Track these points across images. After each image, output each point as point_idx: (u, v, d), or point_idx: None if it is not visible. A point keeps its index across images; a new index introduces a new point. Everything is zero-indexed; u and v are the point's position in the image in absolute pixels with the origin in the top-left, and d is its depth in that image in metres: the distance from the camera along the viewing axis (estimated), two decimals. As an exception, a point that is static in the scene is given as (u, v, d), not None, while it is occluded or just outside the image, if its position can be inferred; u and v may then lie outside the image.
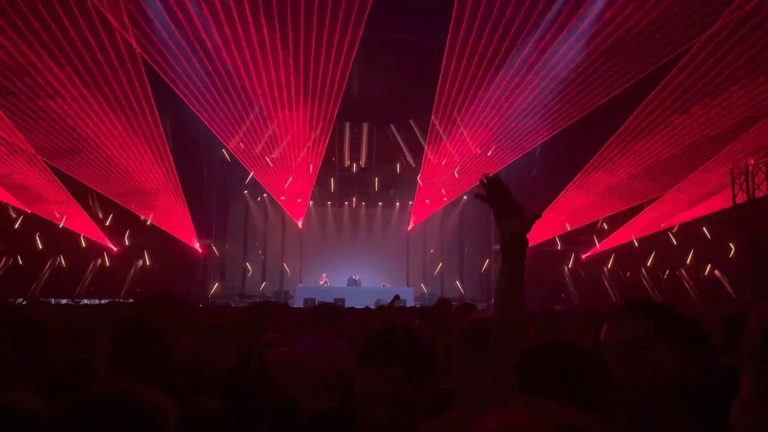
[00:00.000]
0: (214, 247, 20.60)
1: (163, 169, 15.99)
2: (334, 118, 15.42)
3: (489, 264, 21.09)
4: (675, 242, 19.38)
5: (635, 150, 14.55)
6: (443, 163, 18.32)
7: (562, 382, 1.51)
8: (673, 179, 15.87)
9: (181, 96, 13.23)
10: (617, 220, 19.27)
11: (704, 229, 18.36)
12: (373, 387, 1.58)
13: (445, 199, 21.15)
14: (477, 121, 16.02)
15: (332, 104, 14.54)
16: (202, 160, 19.57)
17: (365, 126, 20.38)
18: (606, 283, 19.96)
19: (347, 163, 21.35)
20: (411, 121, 19.85)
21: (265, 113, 14.85)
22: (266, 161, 17.83)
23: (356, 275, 20.79)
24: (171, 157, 15.48)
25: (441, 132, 16.80)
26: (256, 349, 3.10)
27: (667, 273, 19.77)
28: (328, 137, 16.85)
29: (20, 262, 18.66)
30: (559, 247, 20.32)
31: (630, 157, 14.94)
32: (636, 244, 19.66)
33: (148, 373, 2.17)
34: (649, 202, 17.84)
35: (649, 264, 19.85)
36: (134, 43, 10.98)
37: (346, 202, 22.63)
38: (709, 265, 18.64)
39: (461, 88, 14.52)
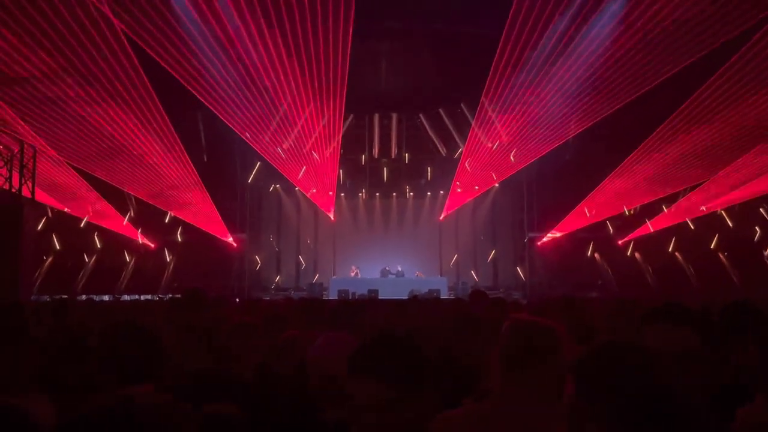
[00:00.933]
0: (248, 240, 20.88)
1: (193, 168, 16.31)
2: (343, 109, 15.40)
3: (525, 247, 20.91)
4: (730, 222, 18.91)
5: (678, 138, 14.24)
6: (494, 145, 18.01)
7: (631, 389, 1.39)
8: (714, 167, 15.52)
9: (201, 98, 13.43)
10: (655, 207, 18.87)
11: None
12: (361, 394, 1.61)
13: (476, 187, 20.98)
14: (516, 107, 15.86)
15: (338, 98, 14.55)
16: (236, 155, 19.79)
17: (394, 117, 20.33)
18: (644, 270, 19.57)
19: (377, 153, 21.35)
20: (441, 111, 19.73)
21: (290, 108, 14.99)
22: (291, 155, 18.02)
23: (397, 266, 20.82)
24: (204, 155, 15.75)
25: (490, 112, 16.53)
26: (277, 349, 3.11)
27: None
28: (340, 130, 16.90)
29: (63, 261, 19.20)
30: (594, 235, 20.00)
31: (673, 144, 14.62)
32: (674, 232, 19.23)
33: (139, 379, 2.20)
34: (687, 190, 17.46)
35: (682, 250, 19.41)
36: (154, 54, 11.21)
37: (378, 193, 22.63)
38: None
39: (500, 76, 14.38)
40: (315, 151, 17.88)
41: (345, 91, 14.08)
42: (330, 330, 3.40)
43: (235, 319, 3.83)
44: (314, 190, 21.14)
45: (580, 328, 3.98)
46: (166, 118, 13.60)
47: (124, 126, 13.51)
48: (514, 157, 18.73)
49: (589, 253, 20.26)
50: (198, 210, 18.82)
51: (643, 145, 15.32)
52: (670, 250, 19.59)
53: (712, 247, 19.18)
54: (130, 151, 14.85)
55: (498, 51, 13.20)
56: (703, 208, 18.45)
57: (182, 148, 15.28)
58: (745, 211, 18.57)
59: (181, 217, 19.37)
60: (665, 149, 15.15)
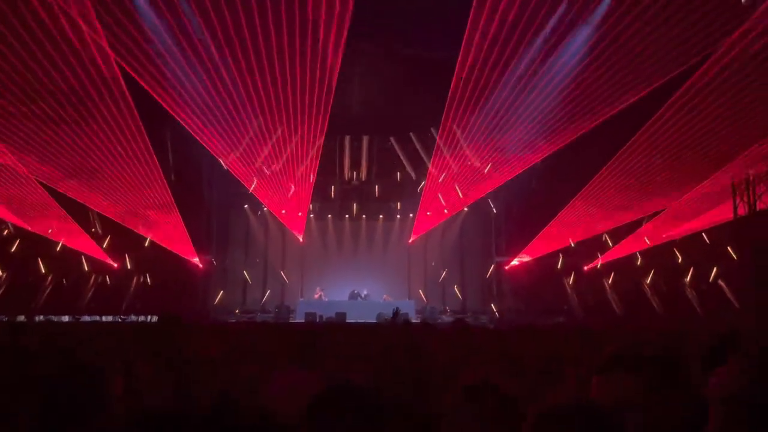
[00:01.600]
0: (214, 261, 20.55)
1: (159, 186, 16.01)
2: (324, 131, 15.39)
3: (492, 271, 21.01)
4: (678, 254, 19.26)
5: (638, 165, 14.54)
6: (442, 177, 18.32)
7: None
8: (677, 192, 15.86)
9: (172, 112, 13.25)
10: (619, 234, 19.18)
11: (705, 238, 18.26)
12: None
13: (446, 211, 21.09)
14: (479, 134, 16.06)
15: (322, 119, 14.54)
16: (202, 173, 19.56)
17: (365, 139, 20.38)
18: (609, 296, 19.82)
19: (347, 176, 21.33)
20: (411, 134, 19.84)
21: (263, 127, 14.90)
22: (263, 174, 17.88)
23: (364, 290, 20.74)
24: (163, 174, 15.49)
25: (442, 145, 16.80)
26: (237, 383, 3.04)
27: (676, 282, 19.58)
28: (318, 153, 16.85)
29: (21, 280, 18.61)
30: (560, 260, 20.22)
31: (633, 171, 14.93)
32: (638, 257, 19.57)
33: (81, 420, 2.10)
34: (650, 217, 17.82)
35: (650, 277, 19.71)
36: (124, 66, 11.06)
37: (347, 215, 22.59)
38: (713, 273, 18.53)
39: (464, 101, 14.55)
40: (288, 172, 17.78)
41: (328, 111, 14.08)
42: (292, 364, 3.35)
43: (200, 351, 3.74)
44: (284, 212, 20.99)
45: (547, 360, 3.99)
46: (144, 134, 13.35)
47: (99, 143, 13.21)
48: (486, 173, 18.82)
49: (555, 279, 20.44)
50: (166, 229, 18.47)
51: (604, 171, 15.61)
52: (634, 277, 19.88)
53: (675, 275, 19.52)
54: (102, 169, 14.54)
55: (462, 77, 13.35)
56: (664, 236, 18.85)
57: (157, 166, 15.03)
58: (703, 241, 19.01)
59: (146, 236, 18.97)
60: (626, 176, 15.48)
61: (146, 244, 18.94)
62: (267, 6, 10.25)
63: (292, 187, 18.87)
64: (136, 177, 15.22)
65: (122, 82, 11.40)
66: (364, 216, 22.64)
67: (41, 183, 14.95)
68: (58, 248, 18.49)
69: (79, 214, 17.38)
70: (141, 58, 11.05)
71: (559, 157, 16.61)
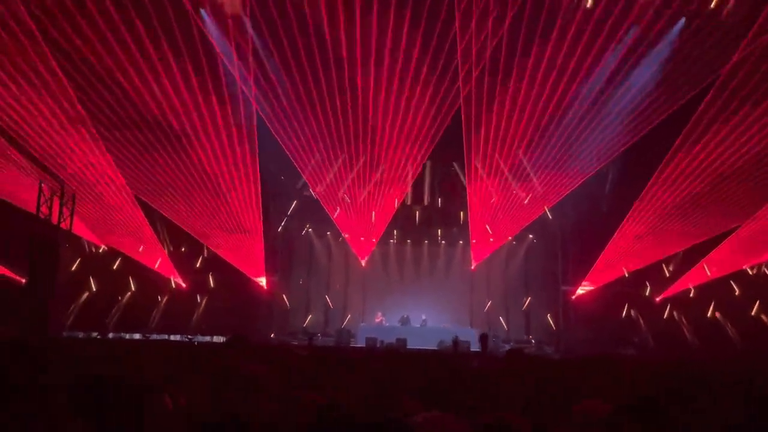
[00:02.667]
0: (278, 283, 20.87)
1: (251, 208, 16.56)
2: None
3: (559, 300, 20.35)
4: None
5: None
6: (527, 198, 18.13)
7: None
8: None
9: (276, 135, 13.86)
10: (693, 258, 18.23)
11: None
12: None
13: (511, 239, 20.71)
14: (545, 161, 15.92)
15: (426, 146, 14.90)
16: (269, 196, 20.02)
17: (428, 164, 20.34)
18: (683, 327, 18.83)
19: (410, 200, 21.28)
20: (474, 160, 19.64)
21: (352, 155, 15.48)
22: (346, 201, 18.33)
23: (422, 315, 20.54)
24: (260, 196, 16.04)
25: (525, 162, 16.76)
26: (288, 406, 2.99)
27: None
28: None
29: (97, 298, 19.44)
30: (629, 288, 19.42)
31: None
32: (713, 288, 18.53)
33: None
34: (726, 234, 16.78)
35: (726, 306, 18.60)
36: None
37: (409, 240, 22.52)
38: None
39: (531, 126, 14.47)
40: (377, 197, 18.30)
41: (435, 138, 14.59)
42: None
43: (249, 368, 3.74)
44: (346, 235, 21.14)
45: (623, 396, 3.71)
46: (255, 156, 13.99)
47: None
48: (547, 207, 18.57)
49: (625, 309, 19.62)
50: (243, 251, 18.93)
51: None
52: (710, 310, 18.84)
53: (754, 312, 18.37)
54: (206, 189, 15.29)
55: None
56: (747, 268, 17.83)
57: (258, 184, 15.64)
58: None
59: (216, 256, 19.49)
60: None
61: (212, 269, 19.46)
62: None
63: (373, 213, 19.18)
64: (238, 199, 15.77)
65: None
66: (426, 241, 22.51)
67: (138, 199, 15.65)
68: (131, 271, 19.24)
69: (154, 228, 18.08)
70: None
71: (629, 183, 16.14)
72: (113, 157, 13.00)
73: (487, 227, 19.92)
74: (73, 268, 18.09)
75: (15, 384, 2.62)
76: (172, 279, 19.66)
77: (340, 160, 17.50)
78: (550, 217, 19.03)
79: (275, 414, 2.73)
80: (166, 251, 19.22)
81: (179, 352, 7.19)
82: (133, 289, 19.62)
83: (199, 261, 19.97)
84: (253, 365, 3.72)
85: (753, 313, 18.25)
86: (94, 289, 19.12)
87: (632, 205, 16.15)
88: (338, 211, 19.09)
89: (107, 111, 11.59)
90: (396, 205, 18.92)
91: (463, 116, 13.92)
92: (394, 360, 5.95)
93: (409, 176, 17.54)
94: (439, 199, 21.25)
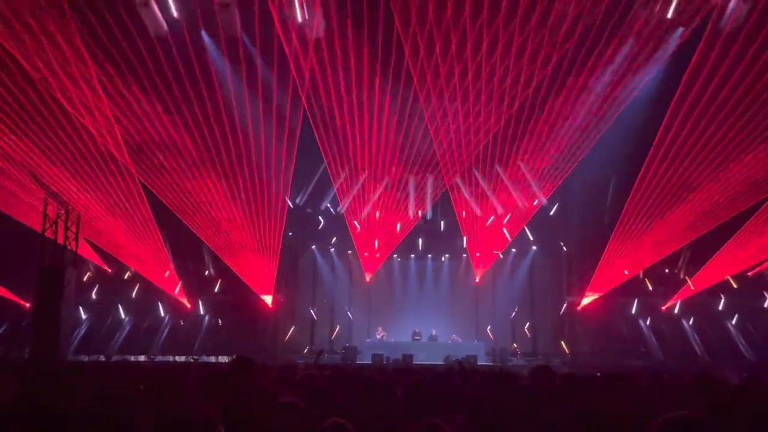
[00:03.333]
0: (283, 301, 20.79)
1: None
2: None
3: (564, 312, 20.30)
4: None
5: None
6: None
7: None
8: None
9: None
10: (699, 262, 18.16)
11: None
12: None
13: (513, 250, 20.75)
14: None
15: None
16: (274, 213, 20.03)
17: (429, 177, 20.36)
18: (690, 338, 18.78)
19: (412, 214, 21.26)
20: (476, 172, 19.70)
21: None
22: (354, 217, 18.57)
23: (432, 330, 20.48)
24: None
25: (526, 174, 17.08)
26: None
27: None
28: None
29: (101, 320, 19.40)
30: (635, 297, 19.40)
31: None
32: (722, 297, 18.47)
33: None
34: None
35: (735, 318, 18.57)
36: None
37: (412, 255, 22.49)
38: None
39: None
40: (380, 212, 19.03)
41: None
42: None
43: (278, 398, 3.70)
44: (350, 252, 21.17)
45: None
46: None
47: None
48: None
49: (631, 319, 19.58)
50: (248, 268, 18.96)
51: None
52: (716, 315, 18.80)
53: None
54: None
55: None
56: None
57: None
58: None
59: (220, 275, 19.47)
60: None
61: (217, 289, 19.43)
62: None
63: (398, 224, 19.50)
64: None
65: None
66: (429, 255, 22.48)
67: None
68: (134, 291, 19.22)
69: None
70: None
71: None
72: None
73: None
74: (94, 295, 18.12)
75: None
76: (178, 299, 19.60)
77: (342, 176, 17.80)
78: (544, 200, 19.06)
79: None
80: (173, 269, 19.19)
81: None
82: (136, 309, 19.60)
83: (203, 280, 19.94)
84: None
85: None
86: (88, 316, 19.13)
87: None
88: (358, 229, 19.30)
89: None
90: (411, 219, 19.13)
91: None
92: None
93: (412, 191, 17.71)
94: (440, 213, 21.27)
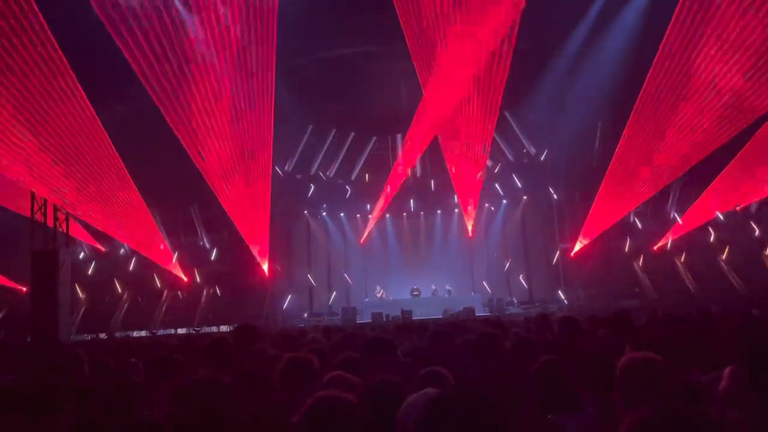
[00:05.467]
0: (279, 267, 20.90)
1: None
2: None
3: (558, 258, 20.53)
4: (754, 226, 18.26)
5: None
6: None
7: None
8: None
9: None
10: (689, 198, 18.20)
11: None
12: None
13: (504, 201, 20.85)
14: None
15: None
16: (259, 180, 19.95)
17: (416, 134, 20.25)
18: (683, 275, 19.07)
19: (401, 172, 21.25)
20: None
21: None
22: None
23: (432, 285, 20.70)
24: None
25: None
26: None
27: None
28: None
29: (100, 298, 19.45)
30: (628, 242, 19.60)
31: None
32: (711, 232, 18.64)
33: None
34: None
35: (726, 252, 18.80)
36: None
37: (405, 213, 22.55)
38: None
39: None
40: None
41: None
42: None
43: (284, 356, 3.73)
44: (342, 214, 21.22)
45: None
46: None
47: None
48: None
49: (624, 261, 19.83)
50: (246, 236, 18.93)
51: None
52: (707, 250, 19.04)
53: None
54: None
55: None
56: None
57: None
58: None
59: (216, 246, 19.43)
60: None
61: (213, 257, 19.42)
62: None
63: (388, 188, 19.29)
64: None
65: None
66: (422, 213, 22.56)
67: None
68: (131, 267, 19.21)
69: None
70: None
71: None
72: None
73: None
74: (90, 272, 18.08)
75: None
76: (174, 270, 19.65)
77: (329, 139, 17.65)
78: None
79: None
80: (167, 244, 19.17)
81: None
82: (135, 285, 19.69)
83: (198, 251, 20.00)
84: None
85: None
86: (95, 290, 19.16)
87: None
88: (349, 192, 19.21)
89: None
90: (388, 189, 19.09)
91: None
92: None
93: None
94: (431, 171, 21.25)
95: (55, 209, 12.94)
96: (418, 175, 21.33)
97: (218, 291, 20.11)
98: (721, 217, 18.14)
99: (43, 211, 12.62)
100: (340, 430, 1.88)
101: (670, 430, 1.41)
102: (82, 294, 19.15)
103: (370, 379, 2.62)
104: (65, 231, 13.48)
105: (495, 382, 3.20)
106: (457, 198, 21.04)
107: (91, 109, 11.43)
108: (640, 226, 19.80)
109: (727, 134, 14.36)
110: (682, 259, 19.35)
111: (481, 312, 18.64)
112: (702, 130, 14.77)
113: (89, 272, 19.43)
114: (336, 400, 1.97)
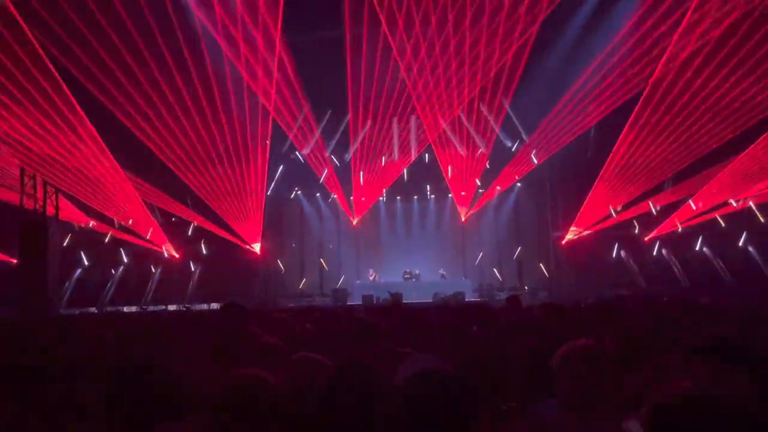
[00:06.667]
0: (271, 248, 20.90)
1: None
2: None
3: (550, 246, 20.60)
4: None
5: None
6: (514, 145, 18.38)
7: None
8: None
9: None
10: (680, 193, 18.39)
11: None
12: None
13: (498, 188, 20.83)
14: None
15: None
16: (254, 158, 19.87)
17: (412, 119, 20.18)
18: (672, 266, 19.18)
19: (396, 157, 21.19)
20: (460, 111, 19.55)
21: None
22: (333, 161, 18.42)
23: (416, 269, 20.74)
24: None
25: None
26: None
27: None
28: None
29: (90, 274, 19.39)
30: (619, 231, 19.65)
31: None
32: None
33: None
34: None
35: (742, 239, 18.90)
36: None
37: (399, 197, 22.53)
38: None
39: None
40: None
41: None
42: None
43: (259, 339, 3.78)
44: (334, 196, 21.19)
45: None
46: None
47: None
48: (535, 155, 18.79)
49: (615, 250, 19.92)
50: (229, 216, 18.91)
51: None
52: (698, 246, 19.14)
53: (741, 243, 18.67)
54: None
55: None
56: (733, 203, 18.03)
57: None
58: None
59: (205, 225, 19.42)
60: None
61: (204, 238, 19.38)
62: None
63: (361, 173, 19.30)
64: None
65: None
66: (415, 196, 22.54)
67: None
68: (121, 245, 19.12)
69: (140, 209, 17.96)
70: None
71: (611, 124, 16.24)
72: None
73: (477, 181, 20.17)
74: (65, 244, 17.95)
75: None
76: (164, 249, 19.63)
77: (324, 121, 17.64)
78: (536, 162, 19.19)
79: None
80: (157, 222, 19.13)
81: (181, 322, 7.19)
82: (125, 262, 19.63)
83: (190, 230, 19.94)
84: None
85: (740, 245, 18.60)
86: (86, 265, 19.08)
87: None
88: (326, 171, 19.11)
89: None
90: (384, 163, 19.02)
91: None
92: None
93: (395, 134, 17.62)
94: (426, 155, 21.16)
95: (45, 183, 12.87)
96: (413, 159, 21.23)
97: (210, 269, 20.09)
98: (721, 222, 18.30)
99: (33, 183, 12.56)
100: (254, 410, 1.88)
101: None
102: (73, 270, 18.95)
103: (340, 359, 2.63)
104: (55, 203, 13.43)
105: (473, 368, 3.23)
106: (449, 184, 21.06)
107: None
108: (634, 222, 19.88)
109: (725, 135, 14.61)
110: (671, 251, 19.44)
111: (470, 296, 18.75)
112: (697, 129, 14.97)
113: (80, 248, 19.29)
114: (251, 380, 1.98)
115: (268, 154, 15.91)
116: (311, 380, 2.29)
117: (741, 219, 18.33)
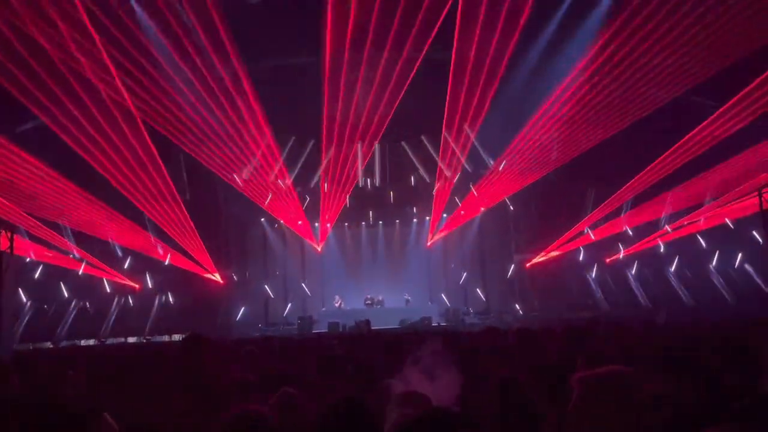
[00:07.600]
0: (234, 276, 20.50)
1: (182, 206, 16.25)
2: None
3: (514, 270, 20.79)
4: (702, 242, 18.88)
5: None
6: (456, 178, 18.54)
7: None
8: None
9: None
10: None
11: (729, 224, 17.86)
12: None
13: (462, 212, 20.99)
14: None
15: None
16: (218, 191, 19.57)
17: (377, 145, 20.26)
18: (634, 287, 19.56)
19: (361, 183, 21.18)
20: (423, 138, 19.76)
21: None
22: (279, 188, 18.18)
23: (379, 296, 20.64)
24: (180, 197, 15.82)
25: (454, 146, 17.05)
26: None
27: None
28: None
29: (45, 307, 18.63)
30: (582, 254, 19.99)
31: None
32: (661, 246, 19.25)
33: None
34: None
35: (674, 265, 19.40)
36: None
37: (363, 223, 22.49)
38: (739, 257, 18.22)
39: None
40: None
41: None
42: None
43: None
44: (300, 223, 21.00)
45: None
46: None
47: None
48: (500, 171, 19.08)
49: (578, 273, 20.21)
50: (186, 248, 18.51)
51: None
52: (657, 266, 19.59)
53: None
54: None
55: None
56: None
57: (173, 189, 15.34)
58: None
59: (166, 257, 18.94)
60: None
61: (166, 263, 18.87)
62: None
63: (307, 197, 19.12)
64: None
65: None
66: (380, 222, 22.54)
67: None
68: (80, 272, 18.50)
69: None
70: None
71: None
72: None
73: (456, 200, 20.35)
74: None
75: None
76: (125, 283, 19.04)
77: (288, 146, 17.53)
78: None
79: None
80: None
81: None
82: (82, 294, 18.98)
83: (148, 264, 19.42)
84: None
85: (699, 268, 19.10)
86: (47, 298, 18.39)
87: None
88: (270, 197, 19.03)
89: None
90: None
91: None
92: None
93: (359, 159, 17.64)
94: (389, 180, 21.23)
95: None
96: (377, 185, 21.27)
97: (171, 299, 19.56)
98: (669, 230, 18.71)
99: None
100: None
101: None
102: (26, 299, 18.20)
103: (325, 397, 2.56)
104: (9, 234, 12.97)
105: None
106: (416, 209, 21.16)
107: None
108: (593, 238, 20.22)
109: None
110: (633, 272, 19.83)
111: (437, 321, 18.73)
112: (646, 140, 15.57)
113: (35, 276, 18.56)
114: (252, 414, 2.03)
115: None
116: (301, 418, 2.23)
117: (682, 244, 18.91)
